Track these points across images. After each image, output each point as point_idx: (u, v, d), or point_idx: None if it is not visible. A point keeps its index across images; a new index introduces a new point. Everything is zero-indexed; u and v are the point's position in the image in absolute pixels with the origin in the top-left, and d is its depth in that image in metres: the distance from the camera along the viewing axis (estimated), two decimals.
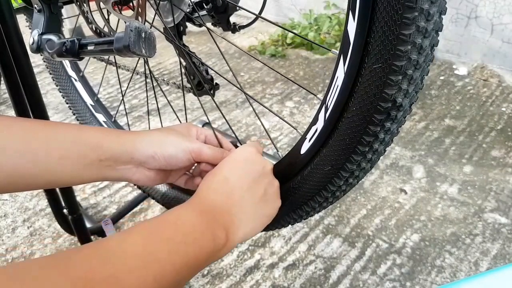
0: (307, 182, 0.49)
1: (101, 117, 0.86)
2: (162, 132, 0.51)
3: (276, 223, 0.55)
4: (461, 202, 1.16)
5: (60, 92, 0.93)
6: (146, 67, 0.68)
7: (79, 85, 0.90)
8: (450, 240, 1.05)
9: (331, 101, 0.42)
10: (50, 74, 0.94)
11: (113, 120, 0.85)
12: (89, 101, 0.89)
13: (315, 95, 0.51)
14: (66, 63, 0.91)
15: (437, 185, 1.22)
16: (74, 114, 0.90)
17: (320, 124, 0.45)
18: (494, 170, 1.27)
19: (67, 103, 0.92)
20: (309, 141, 0.47)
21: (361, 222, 1.11)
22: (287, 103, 1.68)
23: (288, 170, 0.51)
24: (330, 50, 0.46)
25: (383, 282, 0.95)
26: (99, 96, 0.93)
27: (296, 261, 1.02)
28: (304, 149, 0.48)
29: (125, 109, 0.87)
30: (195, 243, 0.39)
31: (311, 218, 1.11)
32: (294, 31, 2.11)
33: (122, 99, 0.75)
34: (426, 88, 1.72)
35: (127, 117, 0.85)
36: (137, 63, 0.68)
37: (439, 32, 0.36)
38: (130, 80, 0.87)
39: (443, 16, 0.36)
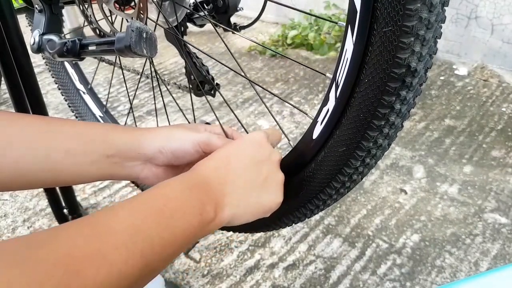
0: (322, 168, 0.46)
1: None
2: (170, 127, 0.50)
3: (293, 216, 0.53)
4: (461, 202, 1.16)
5: (70, 106, 0.94)
6: (151, 67, 0.68)
7: (87, 98, 0.90)
8: (450, 240, 1.05)
9: (341, 77, 0.40)
10: (59, 89, 0.94)
11: None
12: (98, 112, 0.89)
13: (324, 74, 0.48)
14: (74, 76, 0.91)
15: (437, 185, 1.23)
16: None
17: (331, 104, 0.43)
18: (494, 170, 1.27)
19: (76, 117, 0.92)
20: (321, 124, 0.45)
21: (361, 222, 1.12)
22: (287, 103, 1.68)
23: (301, 158, 0.49)
24: (336, 23, 0.45)
25: (383, 282, 0.95)
26: (99, 95, 0.93)
27: (296, 261, 1.02)
28: (316, 133, 0.46)
29: (132, 112, 0.87)
30: (184, 218, 0.38)
31: (311, 218, 1.11)
32: (307, 12, 2.12)
33: (131, 108, 0.75)
34: (426, 88, 1.73)
35: (134, 118, 0.85)
36: (144, 64, 0.68)
37: None
38: (138, 83, 0.87)
39: None
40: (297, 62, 0.52)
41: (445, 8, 0.35)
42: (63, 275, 0.28)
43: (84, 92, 0.91)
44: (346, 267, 0.99)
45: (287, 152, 0.53)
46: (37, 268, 0.28)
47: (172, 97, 0.69)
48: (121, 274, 0.31)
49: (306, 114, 0.52)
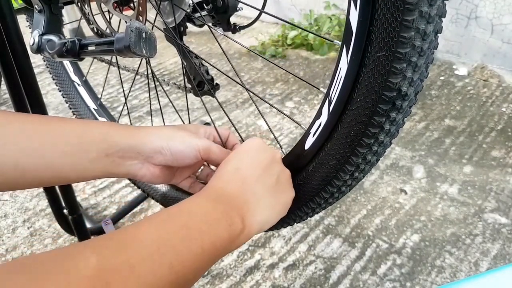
0: (312, 178, 0.48)
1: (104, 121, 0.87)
2: (171, 128, 0.50)
3: (281, 221, 0.54)
4: (461, 202, 1.16)
5: (64, 97, 0.93)
6: (149, 67, 0.68)
7: (82, 90, 0.90)
8: (450, 240, 1.05)
9: (335, 94, 0.41)
10: (54, 79, 0.94)
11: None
12: (92, 105, 0.89)
13: (318, 88, 0.50)
14: (69, 68, 0.91)
15: (437, 185, 1.23)
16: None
17: (324, 118, 0.44)
18: (494, 170, 1.27)
19: (70, 108, 0.92)
20: (313, 136, 0.46)
21: (361, 222, 1.11)
22: (287, 103, 1.68)
23: (292, 166, 0.50)
24: (332, 41, 0.46)
25: (383, 282, 0.95)
26: (98, 95, 0.93)
27: (296, 261, 1.02)
28: (308, 144, 0.48)
29: (127, 109, 0.87)
30: (211, 229, 0.38)
31: (311, 218, 1.11)
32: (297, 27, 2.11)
33: (125, 103, 0.75)
34: (426, 88, 1.73)
35: (129, 117, 0.85)
36: (140, 64, 0.68)
37: (442, 19, 0.35)
38: (133, 82, 0.87)
39: (446, 2, 0.35)
40: (292, 74, 0.51)
41: (438, 35, 0.36)
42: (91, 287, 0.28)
43: (78, 84, 0.90)
44: (346, 267, 0.99)
45: None
46: (66, 280, 0.28)
47: (169, 99, 0.69)
48: (150, 286, 0.31)
49: (299, 125, 0.53)
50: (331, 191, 0.47)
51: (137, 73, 0.78)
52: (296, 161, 0.50)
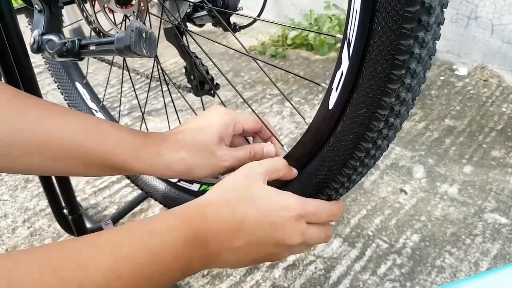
0: (343, 140, 0.43)
1: None
2: (193, 152, 0.48)
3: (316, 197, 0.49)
4: (461, 202, 1.16)
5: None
6: (158, 67, 0.67)
7: (100, 115, 0.90)
8: (450, 240, 1.05)
9: (353, 33, 0.39)
10: (69, 106, 0.93)
11: None
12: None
13: (319, 84, 0.47)
14: (86, 96, 0.91)
15: (437, 185, 1.23)
16: None
17: (345, 65, 0.40)
18: (494, 170, 1.27)
19: None
20: (336, 90, 0.42)
21: (361, 222, 1.11)
22: (287, 103, 1.68)
23: (318, 134, 0.46)
24: (334, 37, 0.44)
25: (383, 282, 0.95)
26: (99, 97, 0.93)
27: (296, 261, 1.02)
28: (332, 102, 0.43)
29: (143, 118, 0.87)
30: (168, 273, 0.37)
31: None
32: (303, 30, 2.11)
33: (141, 109, 0.74)
34: (426, 88, 1.73)
35: (145, 123, 0.84)
36: (153, 66, 0.68)
37: None
38: (149, 85, 0.87)
39: None
40: (293, 74, 0.51)
41: None
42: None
43: (96, 111, 0.90)
44: (346, 267, 0.99)
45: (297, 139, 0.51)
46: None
47: (171, 97, 0.69)
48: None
49: (319, 85, 0.49)
50: (366, 147, 0.42)
51: (151, 78, 0.78)
52: (322, 126, 0.45)
